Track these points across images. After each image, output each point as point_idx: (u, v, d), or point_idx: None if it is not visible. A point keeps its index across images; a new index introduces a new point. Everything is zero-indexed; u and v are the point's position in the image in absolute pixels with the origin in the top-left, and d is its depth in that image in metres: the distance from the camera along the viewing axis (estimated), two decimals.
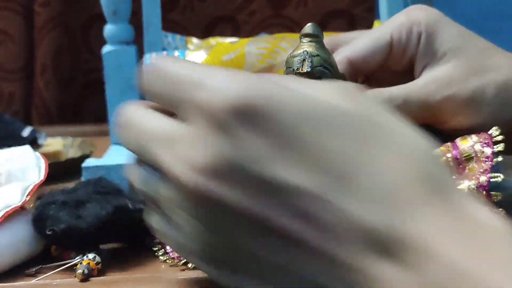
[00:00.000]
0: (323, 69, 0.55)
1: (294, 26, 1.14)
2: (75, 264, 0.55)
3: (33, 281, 0.53)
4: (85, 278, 0.54)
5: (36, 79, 1.15)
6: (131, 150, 0.42)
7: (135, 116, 0.41)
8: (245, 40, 0.71)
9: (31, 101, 1.16)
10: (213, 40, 0.88)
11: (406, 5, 0.80)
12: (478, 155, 0.58)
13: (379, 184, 0.35)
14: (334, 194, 0.35)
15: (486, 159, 0.57)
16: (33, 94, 1.16)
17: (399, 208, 0.34)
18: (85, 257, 0.55)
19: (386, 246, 0.34)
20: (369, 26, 0.79)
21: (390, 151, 0.36)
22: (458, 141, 0.57)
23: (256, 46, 0.69)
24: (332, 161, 0.35)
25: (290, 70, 0.55)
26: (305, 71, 0.55)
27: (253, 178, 0.35)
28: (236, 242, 0.37)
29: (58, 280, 0.53)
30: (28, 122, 1.17)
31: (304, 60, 0.55)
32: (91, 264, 0.54)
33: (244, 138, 0.35)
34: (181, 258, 0.55)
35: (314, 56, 0.55)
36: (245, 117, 0.36)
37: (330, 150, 0.36)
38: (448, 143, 0.57)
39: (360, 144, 0.36)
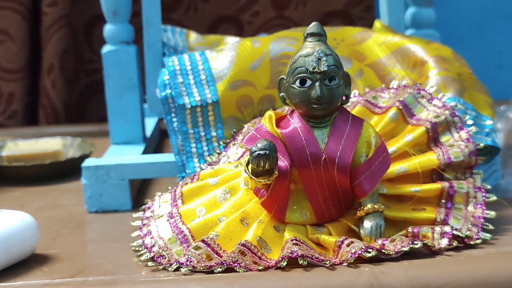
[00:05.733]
0: (336, 68, 0.55)
1: (294, 27, 1.14)
2: None
3: (33, 281, 0.53)
4: None
5: (43, 79, 1.14)
6: None
7: None
8: (267, 41, 0.70)
9: (38, 101, 1.16)
10: (213, 37, 0.88)
11: (406, 4, 0.80)
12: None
13: None
14: None
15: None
16: (40, 94, 1.15)
17: None
18: None
19: None
20: (367, 25, 0.79)
21: None
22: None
23: (280, 50, 0.69)
24: None
25: (302, 69, 0.55)
26: (322, 70, 0.55)
27: None
28: None
29: (58, 280, 0.53)
30: (33, 122, 1.17)
31: (319, 59, 0.55)
32: None
33: None
34: (162, 262, 0.55)
35: (328, 55, 0.55)
36: None
37: None
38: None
39: None
